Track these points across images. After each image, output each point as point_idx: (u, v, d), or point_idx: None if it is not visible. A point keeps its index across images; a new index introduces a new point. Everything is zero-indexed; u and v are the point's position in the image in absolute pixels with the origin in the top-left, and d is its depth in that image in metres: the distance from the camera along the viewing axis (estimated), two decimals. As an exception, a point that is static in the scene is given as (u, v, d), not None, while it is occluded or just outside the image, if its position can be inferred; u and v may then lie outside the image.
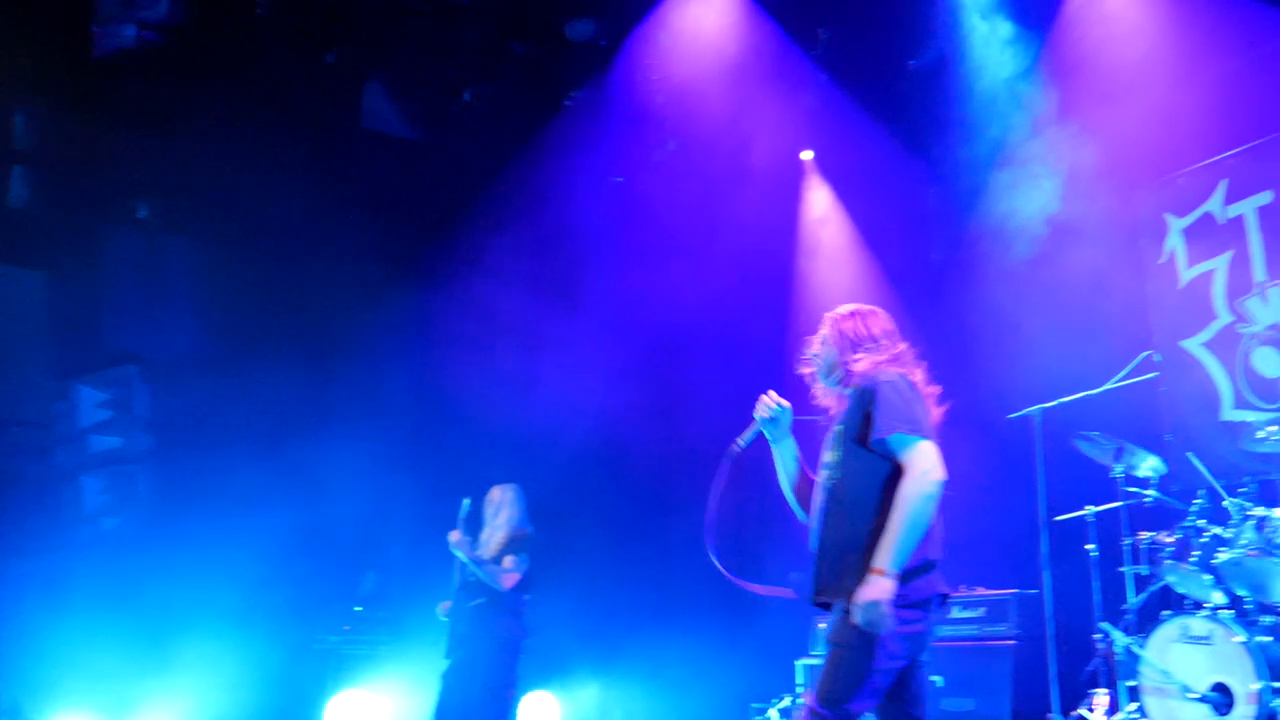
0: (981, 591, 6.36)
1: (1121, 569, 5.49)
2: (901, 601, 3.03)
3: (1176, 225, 6.55)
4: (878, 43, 7.26)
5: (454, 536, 5.66)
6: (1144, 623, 5.24)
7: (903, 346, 3.49)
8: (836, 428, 3.36)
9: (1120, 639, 5.19)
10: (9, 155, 7.45)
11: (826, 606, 3.23)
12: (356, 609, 7.95)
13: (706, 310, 7.86)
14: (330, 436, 7.64)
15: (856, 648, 3.03)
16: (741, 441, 3.58)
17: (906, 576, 3.04)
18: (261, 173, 7.25)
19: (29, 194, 7.51)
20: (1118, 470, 5.61)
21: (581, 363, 7.69)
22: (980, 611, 6.29)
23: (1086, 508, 5.77)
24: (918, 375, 3.39)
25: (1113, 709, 5.33)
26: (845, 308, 3.58)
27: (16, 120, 7.51)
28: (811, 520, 3.34)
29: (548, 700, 7.68)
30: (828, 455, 3.35)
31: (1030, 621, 6.02)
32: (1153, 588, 5.46)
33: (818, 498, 3.34)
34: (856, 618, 3.00)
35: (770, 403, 3.51)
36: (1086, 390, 5.81)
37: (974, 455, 6.81)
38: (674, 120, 7.83)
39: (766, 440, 3.57)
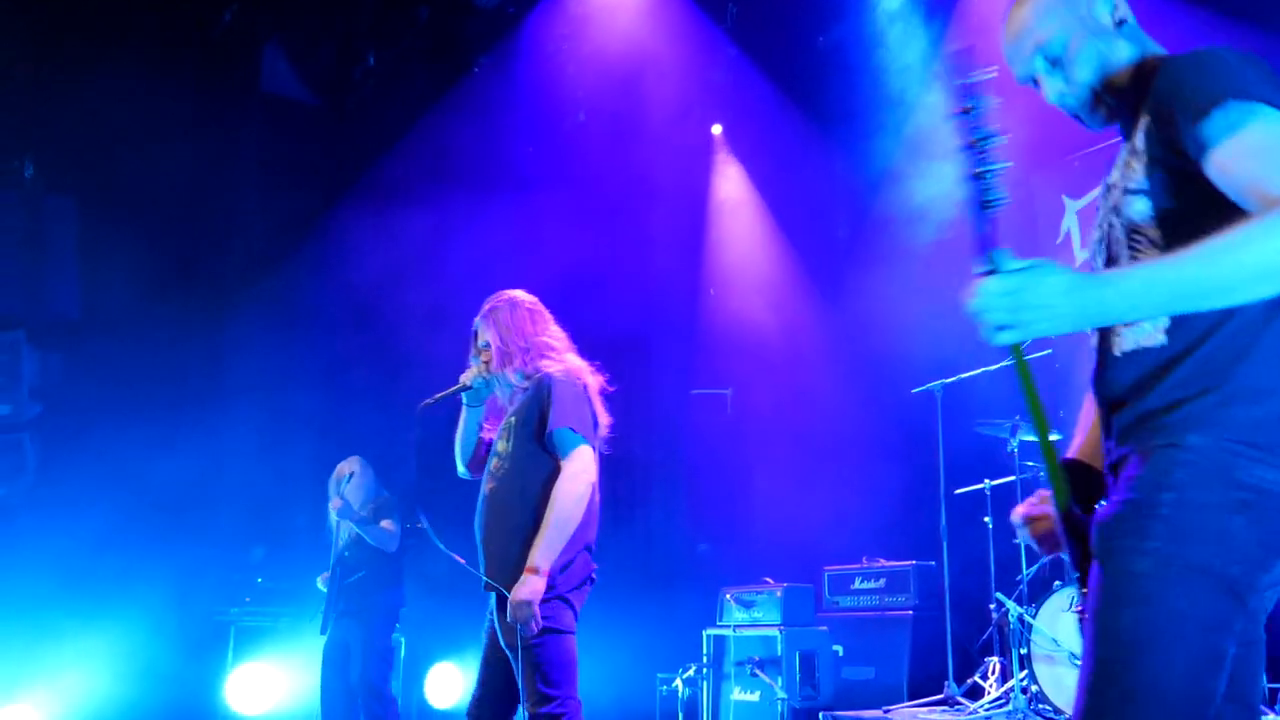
0: (882, 563, 6.52)
1: (1015, 541, 5.67)
2: (563, 588, 3.25)
3: (1072, 206, 6.73)
4: (787, 17, 7.26)
5: (335, 504, 5.63)
6: (1036, 593, 5.42)
7: (552, 321, 3.63)
8: (510, 419, 3.47)
9: (1013, 609, 5.37)
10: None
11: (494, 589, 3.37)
12: (258, 580, 7.81)
13: (617, 282, 7.83)
14: (226, 403, 7.45)
15: (547, 643, 3.21)
16: (433, 400, 3.62)
17: (564, 568, 3.27)
18: (154, 133, 6.97)
19: (-98, 150, 7.13)
20: (1014, 445, 5.78)
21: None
22: (880, 582, 6.45)
23: (984, 481, 5.94)
24: (590, 377, 3.52)
25: (1005, 677, 5.52)
26: (508, 297, 3.62)
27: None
28: (479, 506, 3.46)
29: (452, 672, 7.66)
30: (500, 444, 3.47)
31: (928, 592, 6.20)
32: (1044, 559, 5.66)
33: (486, 485, 3.45)
34: (510, 616, 3.18)
35: (479, 370, 3.57)
36: (986, 366, 5.96)
37: (878, 429, 6.99)
38: (583, 90, 7.74)
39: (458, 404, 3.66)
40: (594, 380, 3.52)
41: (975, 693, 5.64)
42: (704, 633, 6.52)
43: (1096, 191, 2.09)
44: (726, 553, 7.80)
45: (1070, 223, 6.74)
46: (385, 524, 5.66)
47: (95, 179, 7.36)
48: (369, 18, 7.39)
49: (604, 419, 3.53)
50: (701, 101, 7.89)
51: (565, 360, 3.51)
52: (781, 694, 5.86)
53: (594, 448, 3.40)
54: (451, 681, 7.66)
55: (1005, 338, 1.66)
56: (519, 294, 3.66)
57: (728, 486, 7.78)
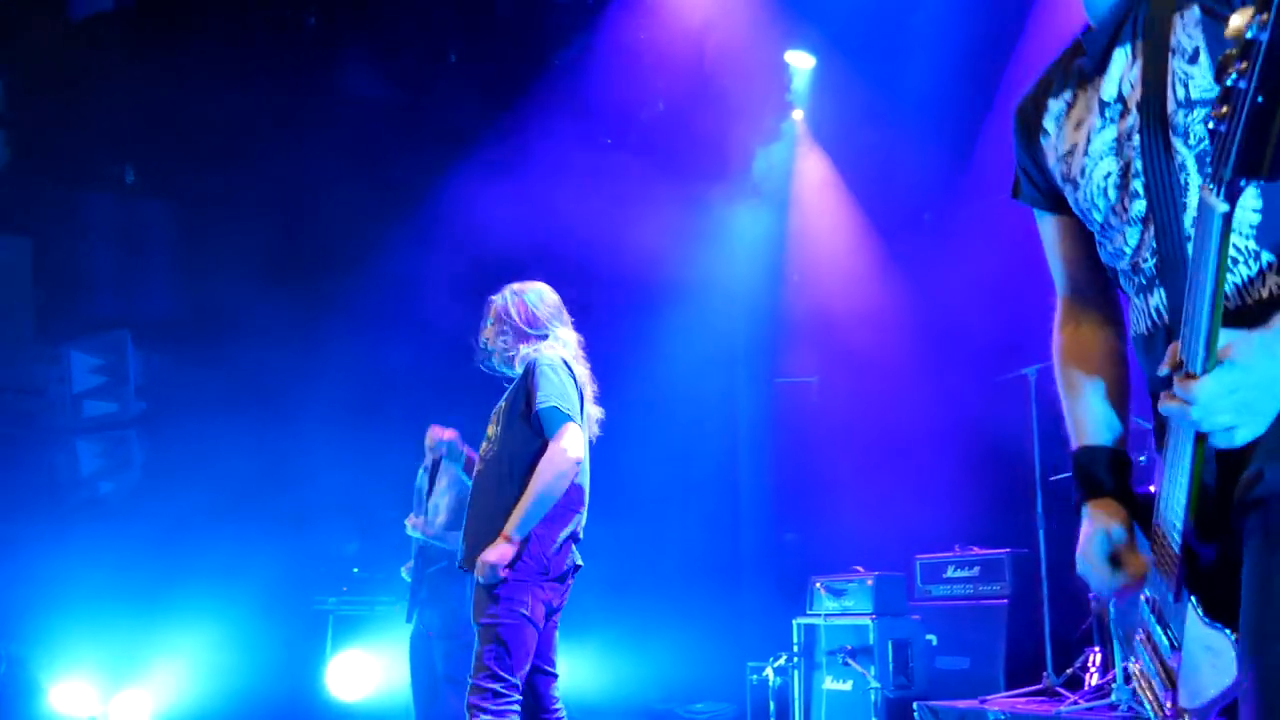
0: (976, 551, 6.41)
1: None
2: (544, 575, 3.40)
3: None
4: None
5: (412, 521, 5.67)
6: (1137, 581, 5.26)
7: (567, 325, 3.79)
8: (501, 404, 3.63)
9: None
10: (-10, 120, 7.38)
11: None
12: (354, 570, 7.98)
13: (699, 271, 7.82)
14: (321, 398, 7.61)
15: (508, 624, 3.35)
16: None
17: (553, 553, 3.43)
18: (246, 137, 7.16)
19: (12, 160, 7.44)
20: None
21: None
22: (975, 571, 6.34)
23: (1080, 467, 5.78)
24: (576, 355, 3.70)
25: (1105, 667, 5.39)
26: (510, 289, 3.81)
27: (-3, 87, 7.42)
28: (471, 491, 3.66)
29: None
30: (490, 429, 3.64)
31: (1024, 581, 6.07)
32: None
33: (476, 469, 3.65)
34: (478, 576, 3.35)
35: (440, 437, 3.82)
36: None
37: (970, 415, 6.86)
38: (661, 78, 7.73)
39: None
40: (581, 368, 3.69)
41: (1074, 683, 5.51)
42: (794, 621, 6.48)
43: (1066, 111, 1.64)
44: (814, 542, 7.74)
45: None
46: None
47: (192, 182, 7.59)
48: (449, 14, 7.47)
49: (592, 409, 3.69)
50: (781, 86, 7.81)
51: (553, 344, 3.66)
52: (874, 683, 5.80)
53: (582, 428, 3.54)
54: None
55: (1242, 436, 1.35)
56: (524, 286, 3.83)
57: (814, 475, 7.72)
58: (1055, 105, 1.72)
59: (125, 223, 7.92)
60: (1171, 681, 1.56)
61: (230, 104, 6.92)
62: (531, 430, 3.48)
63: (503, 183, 7.79)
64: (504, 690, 3.32)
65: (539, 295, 3.79)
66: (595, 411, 3.73)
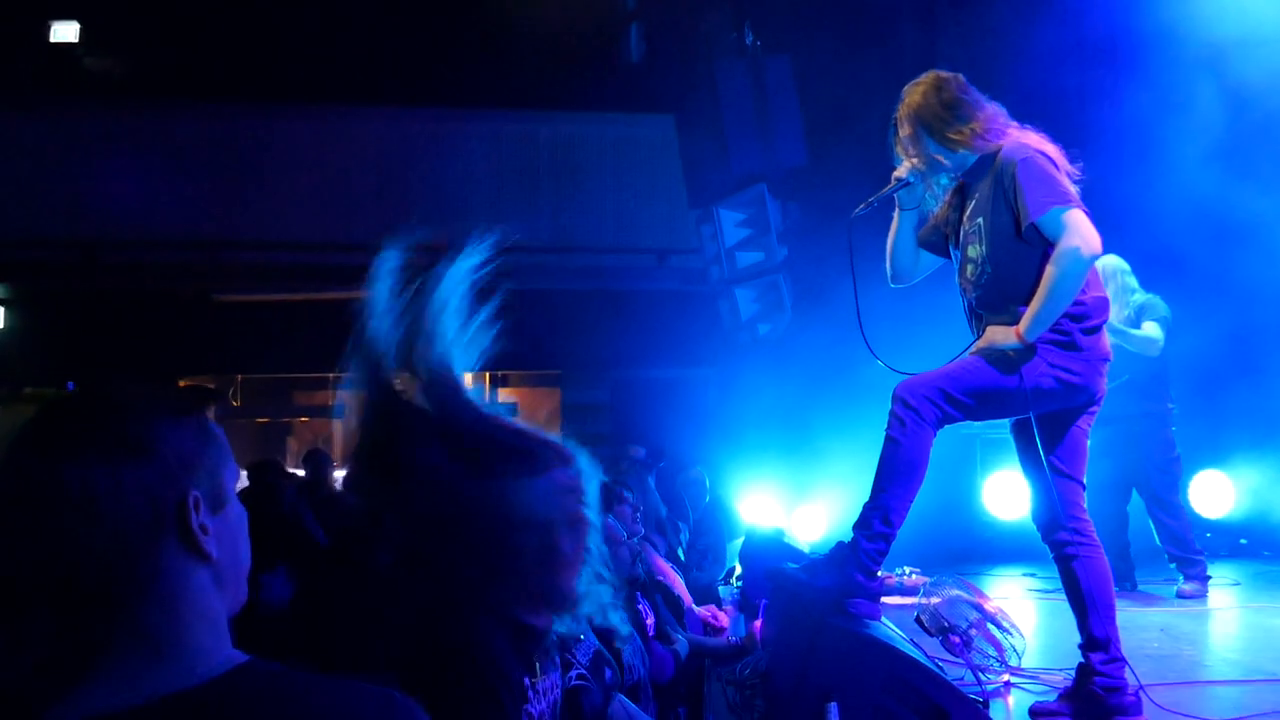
0: None
1: None
2: (1072, 351, 2.99)
3: None
4: None
5: None
6: None
7: (995, 112, 3.15)
8: (977, 220, 3.13)
9: None
10: (624, 17, 8.29)
11: None
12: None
13: None
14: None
15: (1001, 362, 3.00)
16: (867, 204, 3.31)
17: (1084, 332, 3.01)
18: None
19: (646, 48, 8.30)
20: None
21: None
22: None
23: None
24: (1049, 145, 3.09)
25: None
26: (924, 80, 3.19)
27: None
28: (968, 315, 3.24)
29: (1219, 480, 7.19)
30: (971, 250, 3.16)
31: None
32: None
33: (970, 294, 3.19)
34: (982, 342, 3.05)
35: (915, 164, 3.22)
36: None
37: None
38: None
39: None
40: (1053, 148, 3.10)
41: None
42: None
43: None
44: None
45: None
46: (1147, 327, 5.32)
47: (806, 38, 7.83)
48: None
49: (1071, 188, 3.06)
50: None
51: (1011, 135, 3.10)
52: None
53: (1085, 210, 2.98)
54: (1220, 489, 7.19)
55: None
56: (936, 75, 3.21)
57: None
58: None
59: (750, 83, 8.44)
60: None
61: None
62: (1024, 244, 3.01)
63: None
64: (924, 417, 3.02)
65: (957, 83, 3.18)
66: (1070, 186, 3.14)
